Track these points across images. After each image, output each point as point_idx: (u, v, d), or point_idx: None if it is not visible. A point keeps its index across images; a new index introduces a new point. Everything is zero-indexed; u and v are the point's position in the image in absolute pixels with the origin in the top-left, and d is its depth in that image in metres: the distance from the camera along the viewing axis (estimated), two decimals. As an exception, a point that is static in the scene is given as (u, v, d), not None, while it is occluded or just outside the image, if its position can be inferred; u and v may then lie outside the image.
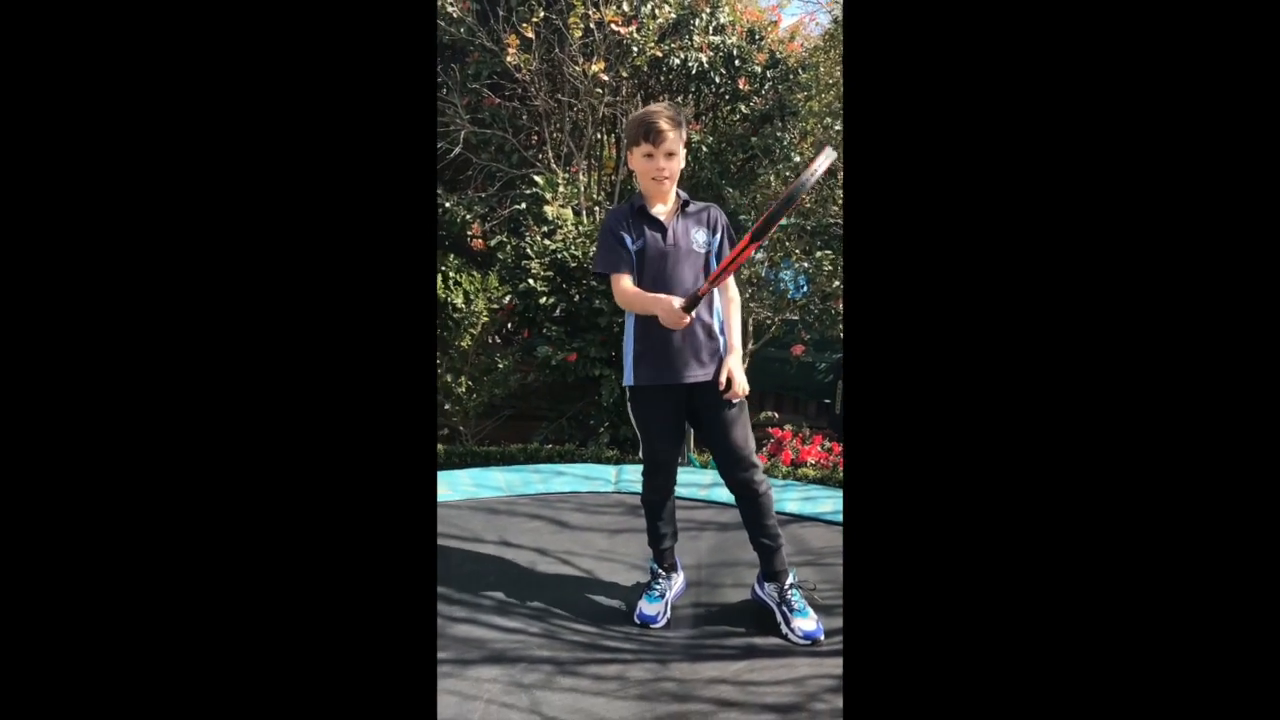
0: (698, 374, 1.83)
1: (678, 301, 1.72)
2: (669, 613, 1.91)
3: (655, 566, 2.00)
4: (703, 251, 1.87)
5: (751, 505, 1.85)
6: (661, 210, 1.87)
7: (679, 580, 2.04)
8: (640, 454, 1.99)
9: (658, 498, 1.98)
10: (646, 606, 1.89)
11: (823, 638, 1.73)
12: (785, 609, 1.80)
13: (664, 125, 1.77)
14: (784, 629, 1.77)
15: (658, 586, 1.95)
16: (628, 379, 1.90)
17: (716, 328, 1.89)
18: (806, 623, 1.76)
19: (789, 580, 1.84)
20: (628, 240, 1.84)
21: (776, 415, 4.18)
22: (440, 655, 1.67)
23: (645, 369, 1.86)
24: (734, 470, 1.83)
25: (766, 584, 1.88)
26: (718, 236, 1.89)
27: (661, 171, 1.80)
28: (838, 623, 1.80)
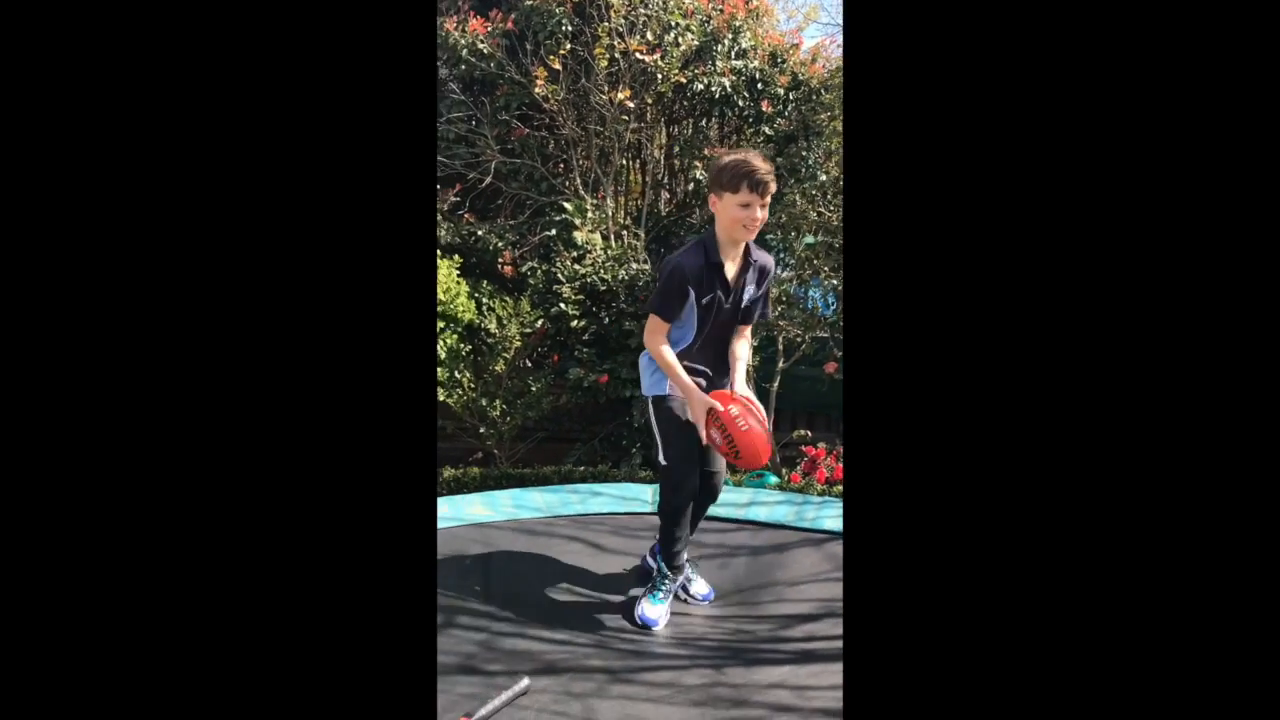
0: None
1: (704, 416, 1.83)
2: (669, 617, 1.95)
3: (662, 566, 2.01)
4: (746, 306, 1.93)
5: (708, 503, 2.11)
6: (731, 263, 1.88)
7: (684, 578, 2.06)
8: (661, 460, 1.98)
9: (681, 502, 1.96)
10: (650, 609, 1.92)
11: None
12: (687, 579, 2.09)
13: (771, 179, 1.76)
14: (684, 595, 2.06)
15: (663, 587, 1.98)
16: (657, 389, 1.96)
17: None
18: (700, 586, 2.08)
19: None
20: (692, 294, 1.84)
21: (809, 434, 4.18)
22: (492, 668, 1.70)
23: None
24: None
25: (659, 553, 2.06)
26: (761, 289, 1.93)
27: (755, 222, 1.78)
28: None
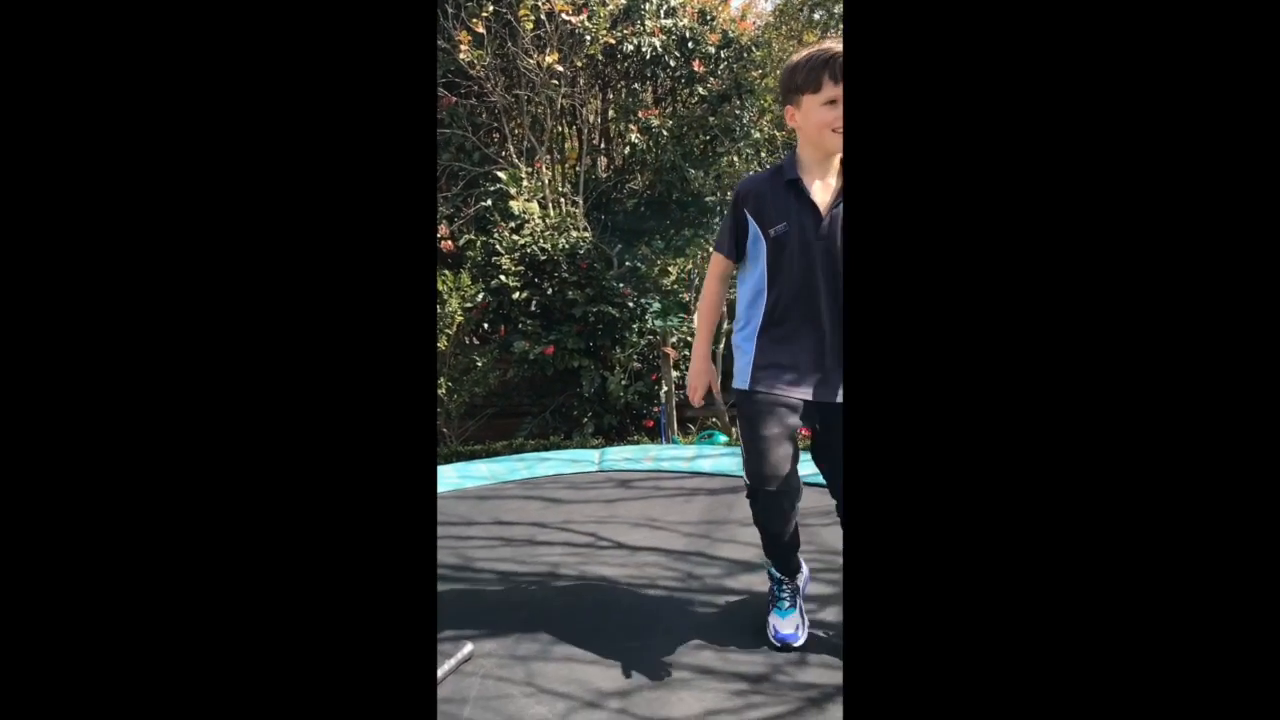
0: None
1: (704, 389, 1.56)
2: (805, 622, 1.59)
3: (774, 571, 1.61)
4: None
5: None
6: (821, 185, 1.43)
7: (804, 575, 1.69)
8: (745, 479, 1.57)
9: (779, 525, 1.56)
10: (782, 624, 1.57)
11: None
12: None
13: None
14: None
15: (784, 595, 1.61)
16: (740, 380, 1.52)
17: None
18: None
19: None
20: (752, 225, 1.45)
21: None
22: (440, 634, 1.67)
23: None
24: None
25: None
26: None
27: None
28: (824, 590, 1.80)
